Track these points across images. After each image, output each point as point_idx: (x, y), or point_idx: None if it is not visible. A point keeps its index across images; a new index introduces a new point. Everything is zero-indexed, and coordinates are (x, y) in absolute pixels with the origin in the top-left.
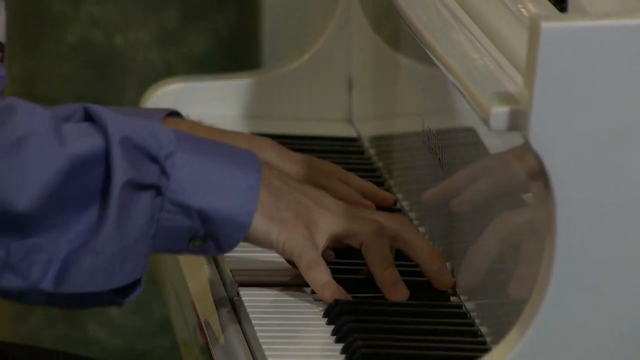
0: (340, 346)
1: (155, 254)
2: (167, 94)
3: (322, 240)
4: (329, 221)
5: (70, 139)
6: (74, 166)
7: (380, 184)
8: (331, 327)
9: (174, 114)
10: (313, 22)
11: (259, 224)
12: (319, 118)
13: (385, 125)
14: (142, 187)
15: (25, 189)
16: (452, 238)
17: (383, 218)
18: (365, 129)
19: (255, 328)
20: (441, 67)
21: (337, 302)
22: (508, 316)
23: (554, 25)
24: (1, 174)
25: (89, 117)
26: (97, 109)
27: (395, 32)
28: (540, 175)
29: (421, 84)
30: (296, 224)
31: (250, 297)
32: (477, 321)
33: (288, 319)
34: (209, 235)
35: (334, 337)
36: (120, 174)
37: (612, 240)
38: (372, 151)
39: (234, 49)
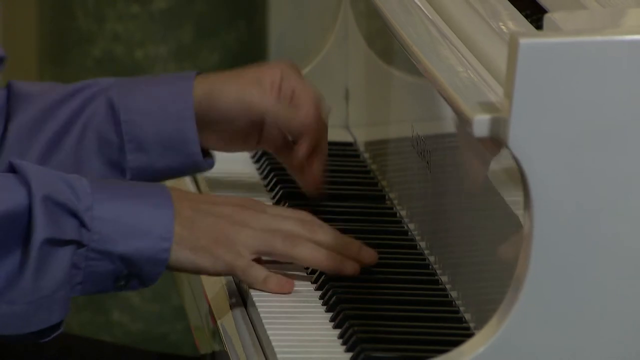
0: (337, 331)
1: None
2: None
3: (246, 254)
4: (250, 238)
5: None
6: None
7: (374, 184)
8: (330, 314)
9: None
10: (313, 38)
11: (182, 256)
12: None
13: (378, 131)
14: (61, 242)
15: None
16: (440, 234)
17: (295, 227)
18: (361, 135)
19: (261, 315)
20: (429, 79)
21: (334, 292)
22: (490, 304)
23: (531, 41)
24: None
25: (13, 171)
26: (21, 165)
27: (387, 47)
28: (519, 177)
29: (411, 94)
30: (216, 247)
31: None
32: (461, 308)
33: (290, 307)
34: (132, 274)
35: (332, 323)
36: (40, 231)
37: (585, 237)
38: (366, 155)
39: (243, 63)
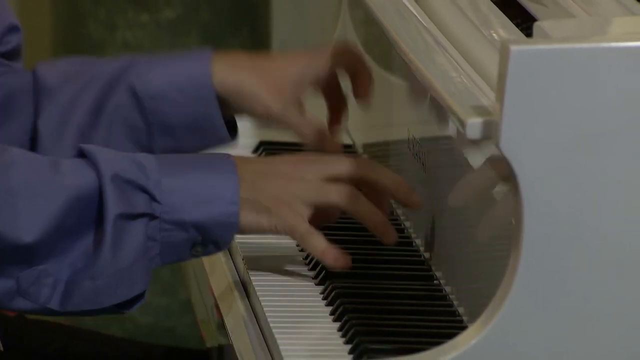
0: (337, 324)
1: None
2: None
3: (305, 210)
4: (307, 191)
5: (67, 177)
6: (72, 203)
7: None
8: (329, 308)
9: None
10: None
11: (248, 218)
12: None
13: (375, 134)
14: (133, 217)
15: (30, 227)
16: (434, 232)
17: (350, 168)
18: (359, 137)
19: (265, 309)
20: (424, 83)
21: (333, 287)
22: (482, 299)
23: (521, 47)
24: (7, 216)
25: (81, 155)
26: (89, 148)
27: (384, 53)
28: (510, 177)
29: (407, 99)
30: (279, 206)
31: (259, 282)
32: (455, 303)
33: (293, 302)
34: (207, 240)
35: (332, 316)
36: (113, 208)
37: (572, 234)
38: (365, 156)
39: None
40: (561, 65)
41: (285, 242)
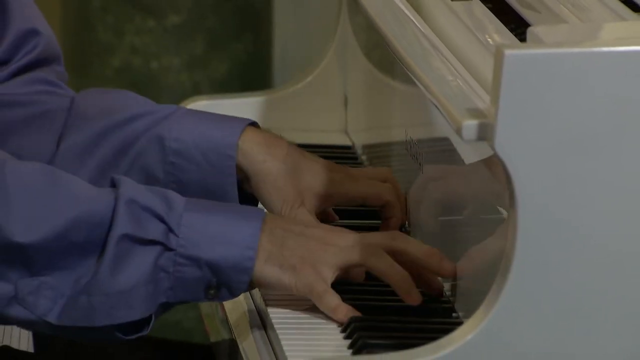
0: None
1: None
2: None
3: (329, 274)
4: (333, 256)
5: (83, 193)
6: (81, 218)
7: None
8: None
9: (253, 124)
10: (315, 50)
11: (269, 271)
12: (319, 129)
13: (374, 136)
14: (142, 241)
15: (25, 227)
16: (431, 230)
17: (380, 238)
18: (358, 139)
19: (267, 305)
20: (421, 87)
21: (334, 286)
22: (477, 296)
23: (515, 52)
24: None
25: (113, 183)
26: (119, 178)
27: (383, 58)
28: (505, 178)
29: (404, 101)
30: (303, 267)
31: None
32: (451, 299)
33: (294, 297)
34: (221, 283)
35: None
36: (120, 227)
37: (564, 233)
38: (364, 157)
39: (250, 73)
40: (554, 69)
41: None
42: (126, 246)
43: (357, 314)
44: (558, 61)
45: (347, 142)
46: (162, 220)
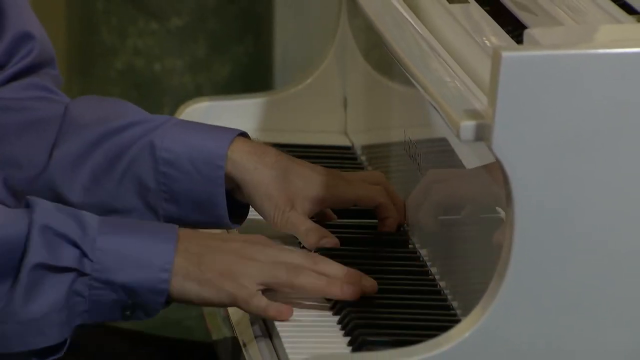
0: (337, 318)
1: None
2: (196, 111)
3: (250, 285)
4: (253, 269)
5: None
6: None
7: None
8: (330, 302)
9: (242, 134)
10: (315, 52)
11: (188, 288)
12: (319, 130)
13: (373, 136)
14: (55, 269)
15: None
16: (429, 229)
17: (301, 260)
18: (358, 139)
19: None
20: (419, 88)
21: None
22: (475, 293)
23: (512, 54)
24: None
25: (27, 205)
26: (32, 200)
27: (382, 59)
28: (502, 178)
29: (403, 102)
30: (222, 280)
31: None
32: (449, 297)
33: (295, 297)
34: (137, 304)
35: (332, 309)
36: (33, 256)
37: (560, 231)
38: (363, 158)
39: (251, 74)
40: (550, 71)
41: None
42: (40, 274)
43: (289, 309)
44: (554, 63)
45: (347, 143)
46: (76, 245)
